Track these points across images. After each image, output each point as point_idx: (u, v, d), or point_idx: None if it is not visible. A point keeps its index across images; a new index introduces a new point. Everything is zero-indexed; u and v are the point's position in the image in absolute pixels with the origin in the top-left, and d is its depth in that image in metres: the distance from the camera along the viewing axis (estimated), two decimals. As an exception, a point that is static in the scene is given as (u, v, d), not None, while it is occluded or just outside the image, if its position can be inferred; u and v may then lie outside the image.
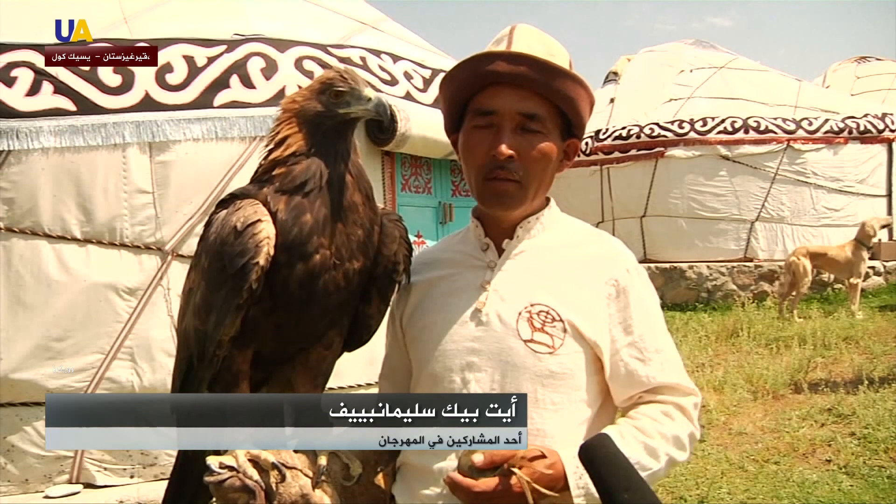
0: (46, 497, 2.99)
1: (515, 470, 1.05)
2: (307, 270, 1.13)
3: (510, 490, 1.05)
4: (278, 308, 1.16)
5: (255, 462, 1.11)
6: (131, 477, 3.13)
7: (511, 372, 1.19)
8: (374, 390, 1.44)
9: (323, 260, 1.14)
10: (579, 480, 1.07)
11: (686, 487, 3.62)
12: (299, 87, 3.38)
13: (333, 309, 1.20)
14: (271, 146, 1.19)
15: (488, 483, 1.06)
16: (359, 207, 1.17)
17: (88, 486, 3.08)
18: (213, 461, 1.11)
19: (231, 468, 1.09)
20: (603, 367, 1.23)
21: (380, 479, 1.28)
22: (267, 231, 1.11)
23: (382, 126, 3.44)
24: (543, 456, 1.09)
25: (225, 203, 1.21)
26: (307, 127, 1.17)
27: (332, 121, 1.17)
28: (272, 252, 1.11)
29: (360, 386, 2.98)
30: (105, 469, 3.11)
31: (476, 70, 1.21)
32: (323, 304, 1.17)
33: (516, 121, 1.20)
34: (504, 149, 1.18)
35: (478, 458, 1.06)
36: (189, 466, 1.31)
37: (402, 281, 1.30)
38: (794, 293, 7.67)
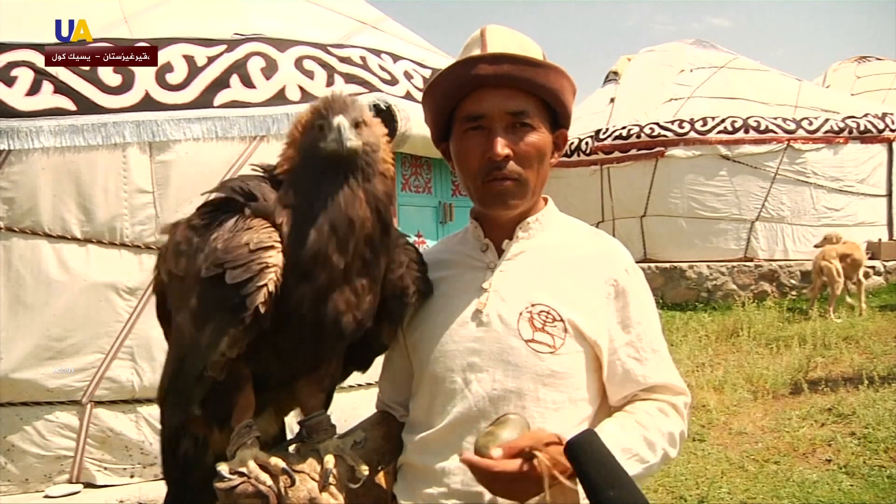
0: (46, 497, 2.99)
1: (538, 454, 1.03)
2: (314, 290, 1.09)
3: (529, 473, 1.03)
4: (283, 331, 1.12)
5: (264, 467, 1.11)
6: (131, 477, 3.13)
7: (512, 371, 1.19)
8: (374, 391, 1.44)
9: (331, 278, 1.10)
10: None
11: (686, 487, 3.62)
12: (300, 87, 3.41)
13: (348, 332, 1.15)
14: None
15: (508, 465, 1.03)
16: (366, 223, 1.12)
17: (88, 485, 3.08)
18: (222, 467, 1.09)
19: (242, 474, 1.08)
20: (602, 366, 1.24)
21: (381, 479, 1.28)
22: (276, 259, 1.06)
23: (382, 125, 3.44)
24: (559, 442, 1.08)
25: (232, 206, 1.15)
26: (300, 155, 1.15)
27: (318, 156, 1.12)
28: (278, 282, 1.06)
29: (360, 386, 2.98)
30: (105, 469, 3.11)
31: (459, 77, 1.22)
32: (336, 325, 1.12)
33: (506, 120, 1.21)
34: (500, 149, 1.19)
35: (496, 453, 1.04)
36: (189, 469, 1.29)
37: (412, 302, 1.27)
38: (831, 293, 7.62)
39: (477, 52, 1.23)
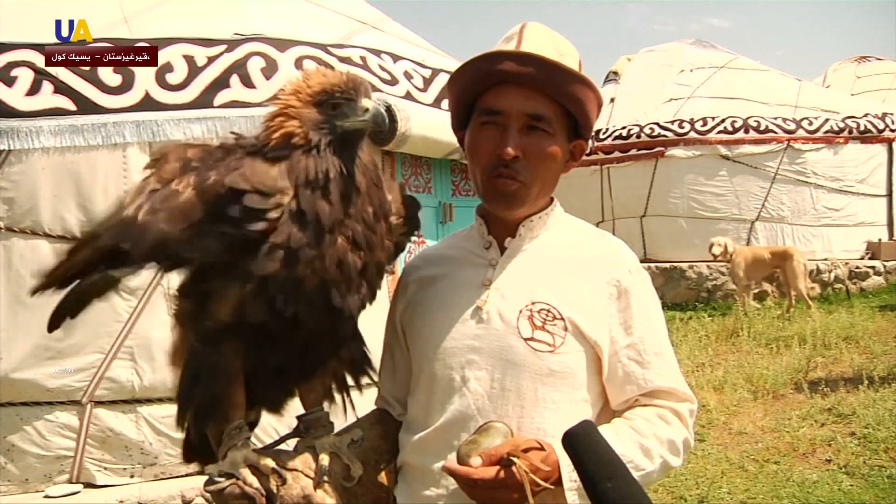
0: (46, 497, 2.99)
1: (515, 459, 1.03)
2: (323, 254, 1.10)
3: (508, 480, 1.03)
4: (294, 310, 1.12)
5: (255, 468, 1.12)
6: (131, 477, 3.13)
7: (511, 370, 1.18)
8: (374, 390, 1.44)
9: (341, 242, 1.12)
10: (572, 474, 1.05)
11: (686, 487, 3.62)
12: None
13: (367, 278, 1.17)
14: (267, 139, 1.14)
15: (487, 472, 1.04)
16: (365, 189, 1.16)
17: (88, 485, 3.08)
18: (212, 469, 1.12)
19: (231, 475, 1.10)
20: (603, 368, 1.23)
21: (383, 477, 1.27)
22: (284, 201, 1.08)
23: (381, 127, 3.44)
24: (540, 448, 1.07)
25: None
26: (308, 127, 1.13)
27: (332, 133, 1.14)
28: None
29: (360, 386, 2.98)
30: (105, 469, 3.11)
31: (484, 69, 1.21)
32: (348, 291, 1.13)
33: (522, 121, 1.20)
34: (510, 149, 1.18)
35: (476, 462, 1.05)
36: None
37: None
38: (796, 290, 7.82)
39: (510, 47, 1.21)
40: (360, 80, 1.18)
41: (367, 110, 1.15)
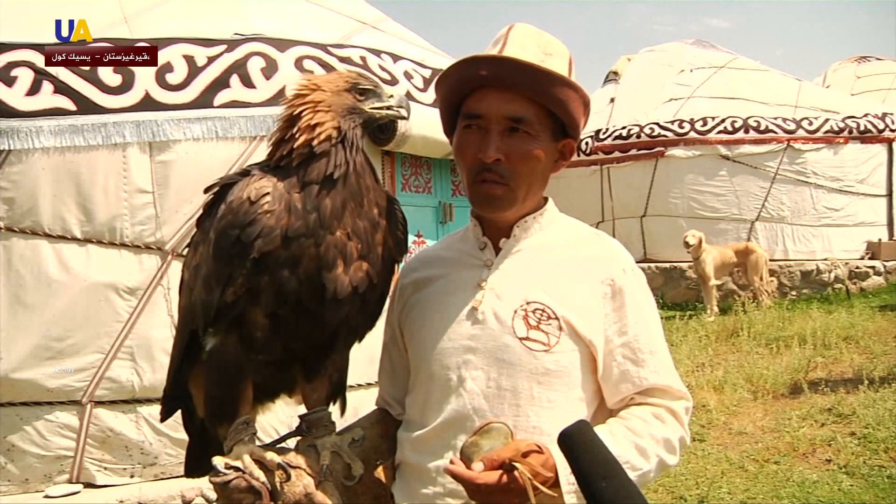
0: (46, 497, 2.99)
1: (518, 465, 1.04)
2: (324, 251, 1.13)
3: (510, 485, 1.04)
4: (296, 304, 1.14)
5: (260, 463, 1.12)
6: (131, 477, 3.13)
7: (506, 370, 1.19)
8: (375, 390, 1.44)
9: (341, 243, 1.14)
10: (570, 476, 1.06)
11: (686, 487, 3.62)
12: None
13: (359, 304, 1.19)
14: (293, 131, 1.16)
15: (489, 477, 1.04)
16: (370, 191, 1.20)
17: (88, 485, 3.09)
18: (218, 462, 1.12)
19: (236, 469, 1.10)
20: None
21: (380, 473, 1.28)
22: (274, 200, 1.11)
23: (383, 125, 3.44)
24: (540, 451, 1.08)
25: (232, 182, 1.20)
26: (339, 118, 1.16)
27: (361, 118, 1.19)
28: (273, 222, 1.10)
29: (360, 386, 2.98)
30: (105, 469, 3.11)
31: (464, 74, 1.22)
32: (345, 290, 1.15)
33: (503, 124, 1.20)
34: (490, 152, 1.19)
35: (478, 467, 1.05)
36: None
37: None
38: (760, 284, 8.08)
39: (496, 49, 1.22)
40: (368, 75, 1.25)
41: (391, 96, 1.22)
